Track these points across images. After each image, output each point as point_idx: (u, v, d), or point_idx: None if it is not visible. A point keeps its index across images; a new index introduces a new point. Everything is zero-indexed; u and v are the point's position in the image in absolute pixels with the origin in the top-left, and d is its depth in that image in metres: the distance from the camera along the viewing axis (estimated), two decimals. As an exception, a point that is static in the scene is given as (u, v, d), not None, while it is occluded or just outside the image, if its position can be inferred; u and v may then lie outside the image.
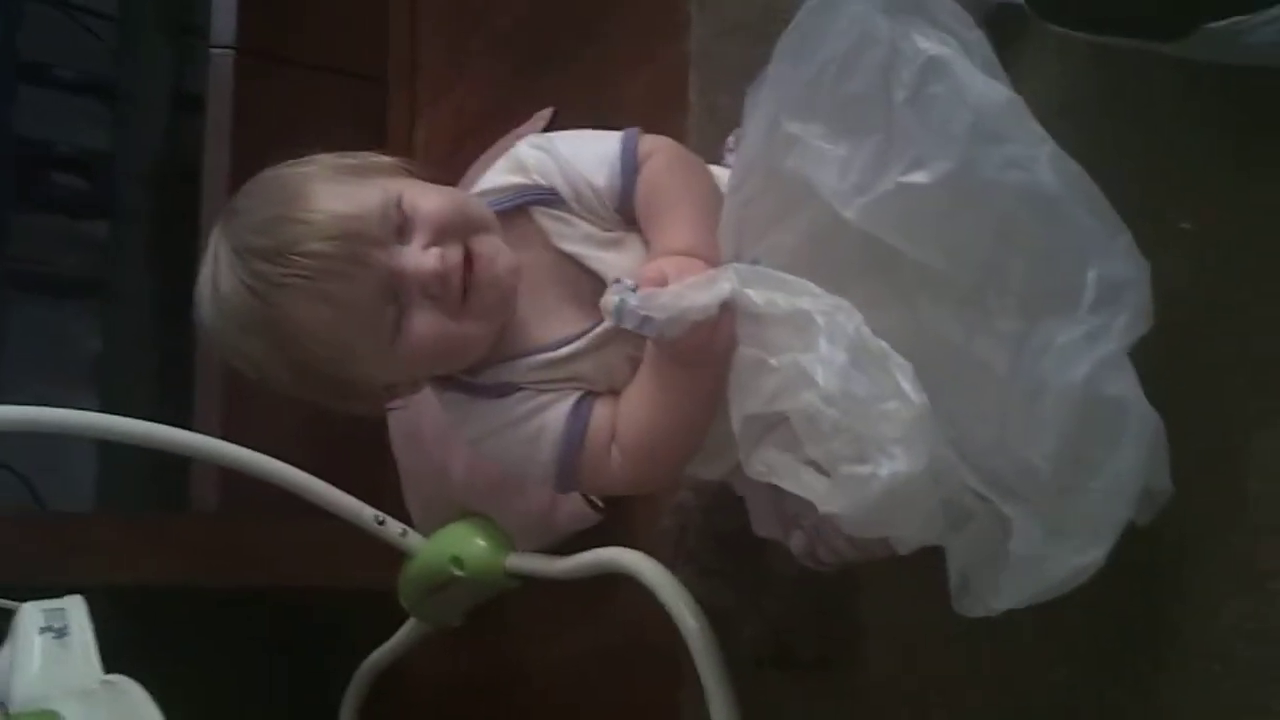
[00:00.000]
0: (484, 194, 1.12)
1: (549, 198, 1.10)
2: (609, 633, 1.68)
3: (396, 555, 1.72)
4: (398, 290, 1.02)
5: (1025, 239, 0.88)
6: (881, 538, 1.07)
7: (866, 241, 0.91)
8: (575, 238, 1.10)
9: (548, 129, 1.87)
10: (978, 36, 0.91)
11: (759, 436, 0.93)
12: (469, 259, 1.04)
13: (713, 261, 1.00)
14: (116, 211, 2.42)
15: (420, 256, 1.02)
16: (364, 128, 2.29)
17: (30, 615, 1.32)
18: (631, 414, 1.06)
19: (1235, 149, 1.00)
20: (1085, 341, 0.86)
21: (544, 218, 1.10)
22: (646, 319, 0.94)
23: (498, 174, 1.13)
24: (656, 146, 1.11)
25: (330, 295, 1.00)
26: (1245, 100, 0.98)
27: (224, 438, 1.66)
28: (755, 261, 0.96)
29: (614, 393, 1.08)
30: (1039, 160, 0.87)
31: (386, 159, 1.12)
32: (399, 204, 1.04)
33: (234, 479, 1.67)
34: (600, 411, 1.07)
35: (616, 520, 1.63)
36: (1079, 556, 0.87)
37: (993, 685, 1.17)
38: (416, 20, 2.38)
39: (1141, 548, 1.00)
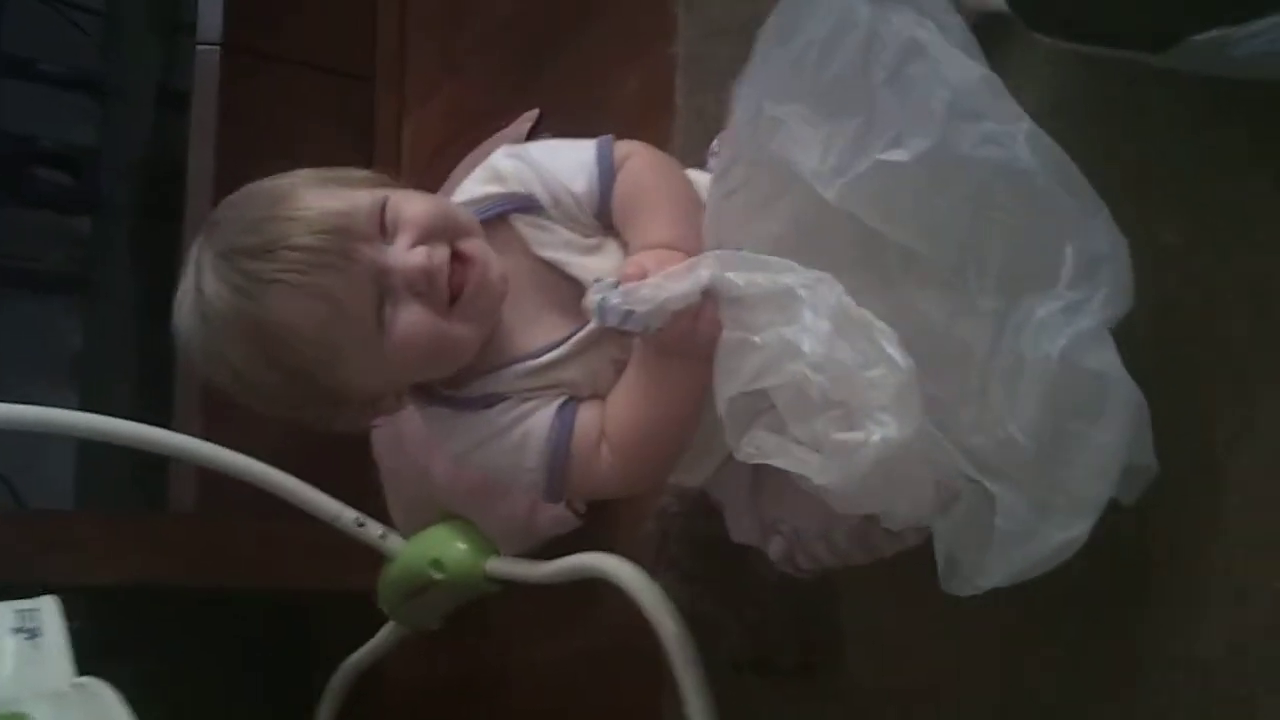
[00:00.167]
0: (463, 205, 1.11)
1: (528, 205, 1.11)
2: (591, 638, 1.67)
3: (377, 557, 1.71)
4: (385, 287, 1.02)
5: (1003, 215, 0.88)
6: (864, 542, 1.07)
7: (849, 228, 0.91)
8: (555, 244, 1.10)
9: (534, 130, 1.87)
10: (955, 20, 0.92)
11: (747, 420, 0.93)
12: (458, 261, 1.04)
13: (693, 254, 1.00)
14: (101, 208, 2.42)
15: (406, 254, 1.02)
16: (351, 126, 2.29)
17: (2, 616, 1.30)
18: (620, 410, 1.06)
19: (1223, 160, 1.00)
20: (1063, 315, 0.87)
21: (524, 225, 1.10)
22: (629, 314, 0.95)
23: (475, 184, 1.13)
24: (632, 150, 1.12)
25: (321, 290, 1.00)
26: (1233, 111, 0.98)
27: (204, 437, 1.64)
28: (738, 249, 0.96)
29: (598, 396, 1.08)
30: (1016, 137, 0.88)
31: (370, 172, 1.12)
32: (385, 206, 1.04)
33: (213, 479, 1.66)
34: (586, 413, 1.07)
35: (598, 525, 1.62)
36: (1064, 532, 0.87)
37: (972, 692, 1.16)
38: (405, 19, 2.37)
39: (1123, 559, 1.01)
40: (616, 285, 0.96)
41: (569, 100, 1.89)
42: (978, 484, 0.89)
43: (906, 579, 1.16)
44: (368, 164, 2.22)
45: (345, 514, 1.66)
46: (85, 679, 1.25)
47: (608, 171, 1.10)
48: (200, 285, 1.04)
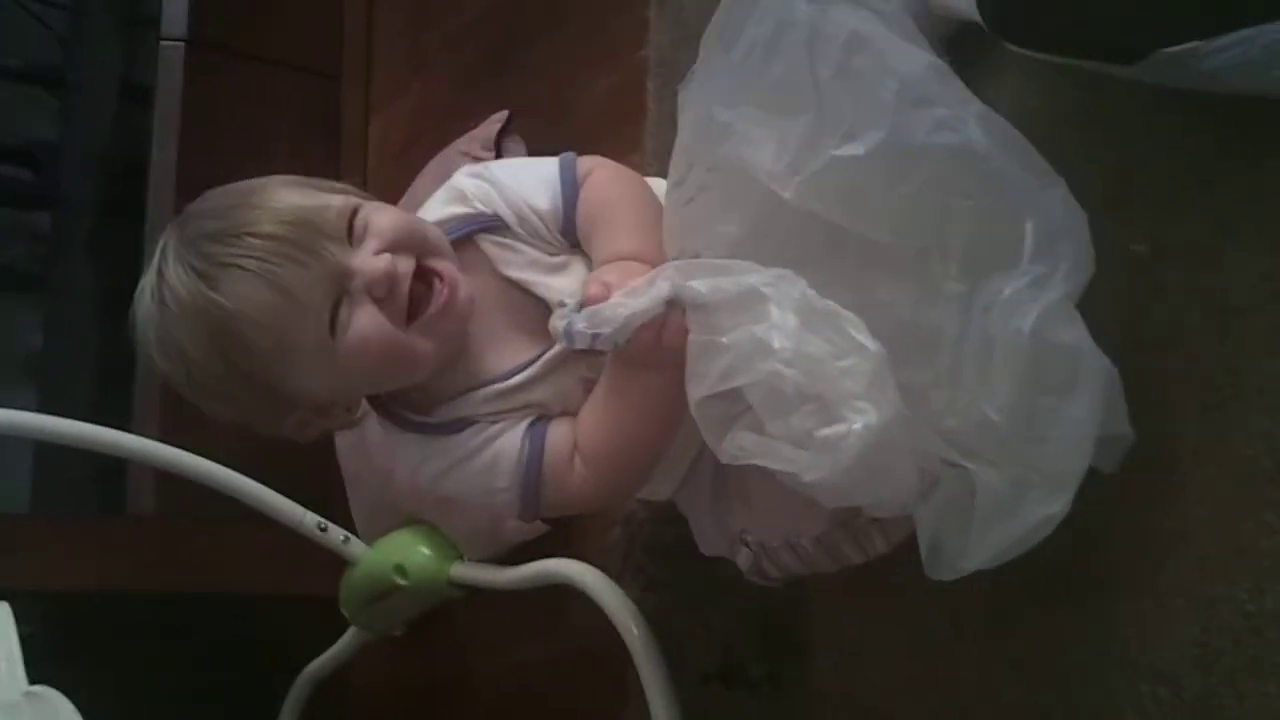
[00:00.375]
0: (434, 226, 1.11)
1: (493, 225, 1.11)
2: (557, 644, 1.66)
3: (339, 562, 1.70)
4: (345, 289, 1.02)
5: (962, 199, 0.89)
6: (830, 549, 1.07)
7: (810, 225, 0.91)
8: (521, 264, 1.10)
9: (503, 132, 1.85)
10: (895, 9, 0.93)
11: (725, 422, 0.93)
12: (425, 278, 1.04)
13: (656, 264, 1.00)
14: (62, 204, 2.39)
15: (371, 259, 1.02)
16: (316, 124, 2.28)
17: (-48, 622, 1.28)
18: (592, 425, 1.06)
19: (1193, 170, 1.00)
20: (1029, 290, 0.87)
21: (490, 245, 1.11)
22: (596, 335, 0.95)
23: (439, 205, 1.14)
24: (594, 165, 1.13)
25: (277, 279, 0.99)
26: (1203, 123, 0.98)
27: (162, 439, 1.62)
28: (699, 256, 0.96)
29: (569, 415, 1.08)
30: (967, 120, 0.89)
31: (347, 185, 1.12)
32: (356, 212, 1.04)
33: (173, 482, 1.64)
34: (557, 430, 1.07)
35: (565, 531, 1.61)
36: (1042, 507, 0.87)
37: (939, 703, 1.16)
38: (373, 17, 2.36)
39: (1089, 569, 1.01)
40: (580, 307, 0.96)
41: (538, 101, 1.88)
42: (957, 467, 0.89)
43: (874, 589, 1.16)
44: (334, 161, 2.23)
45: (307, 519, 1.64)
46: (38, 688, 1.22)
47: (570, 187, 1.10)
48: (162, 270, 1.03)
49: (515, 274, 1.10)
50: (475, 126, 1.91)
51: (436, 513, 1.68)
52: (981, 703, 1.11)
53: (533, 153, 1.84)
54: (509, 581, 1.54)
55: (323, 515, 1.66)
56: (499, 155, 1.84)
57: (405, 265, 1.03)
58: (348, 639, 1.81)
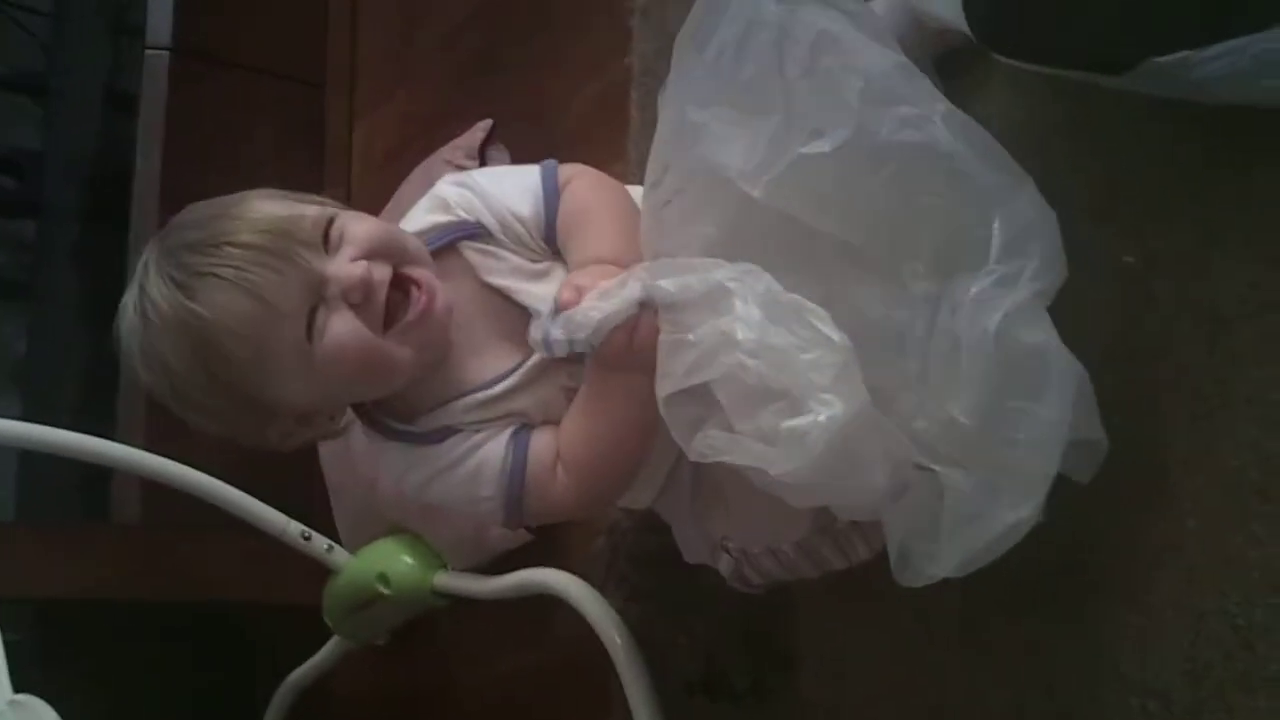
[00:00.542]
0: (414, 235, 1.12)
1: (476, 232, 1.11)
2: (540, 653, 1.66)
3: (323, 571, 1.69)
4: (322, 296, 1.02)
5: (929, 198, 0.89)
6: (811, 554, 1.07)
7: (783, 227, 0.92)
8: (503, 271, 1.11)
9: (487, 140, 1.85)
10: (863, 8, 0.93)
11: (691, 421, 0.93)
12: (401, 285, 1.05)
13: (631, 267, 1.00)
14: (46, 212, 2.38)
15: (348, 265, 1.03)
16: (301, 133, 2.27)
17: (-64, 631, 1.27)
18: (574, 432, 1.07)
19: (1182, 180, 1.00)
20: (995, 290, 0.87)
21: (472, 253, 1.11)
22: (572, 341, 0.96)
23: (422, 214, 1.14)
24: (576, 172, 1.13)
25: (255, 288, 1.00)
26: (1192, 133, 0.98)
27: (147, 447, 1.62)
28: (674, 257, 0.97)
29: (551, 424, 1.09)
30: (933, 119, 0.89)
31: (328, 198, 1.13)
32: (333, 221, 1.05)
33: (157, 491, 1.64)
34: (540, 438, 1.08)
35: (548, 540, 1.61)
36: (1013, 512, 0.87)
37: (925, 714, 1.16)
38: (357, 25, 2.36)
39: (1078, 581, 1.00)
40: (555, 314, 0.97)
41: (522, 109, 1.88)
42: (926, 471, 0.89)
43: (858, 597, 1.16)
44: (318, 169, 2.23)
45: (291, 527, 1.64)
46: (22, 696, 1.22)
47: (552, 194, 1.11)
48: (143, 283, 1.04)
49: (497, 281, 1.10)
50: (459, 135, 1.91)
51: (420, 521, 1.68)
52: (968, 714, 1.12)
53: (516, 161, 1.84)
54: (492, 591, 1.53)
55: (306, 524, 1.66)
56: (483, 164, 1.84)
57: (381, 272, 1.03)
58: (331, 648, 1.81)
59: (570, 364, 1.03)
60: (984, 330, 0.86)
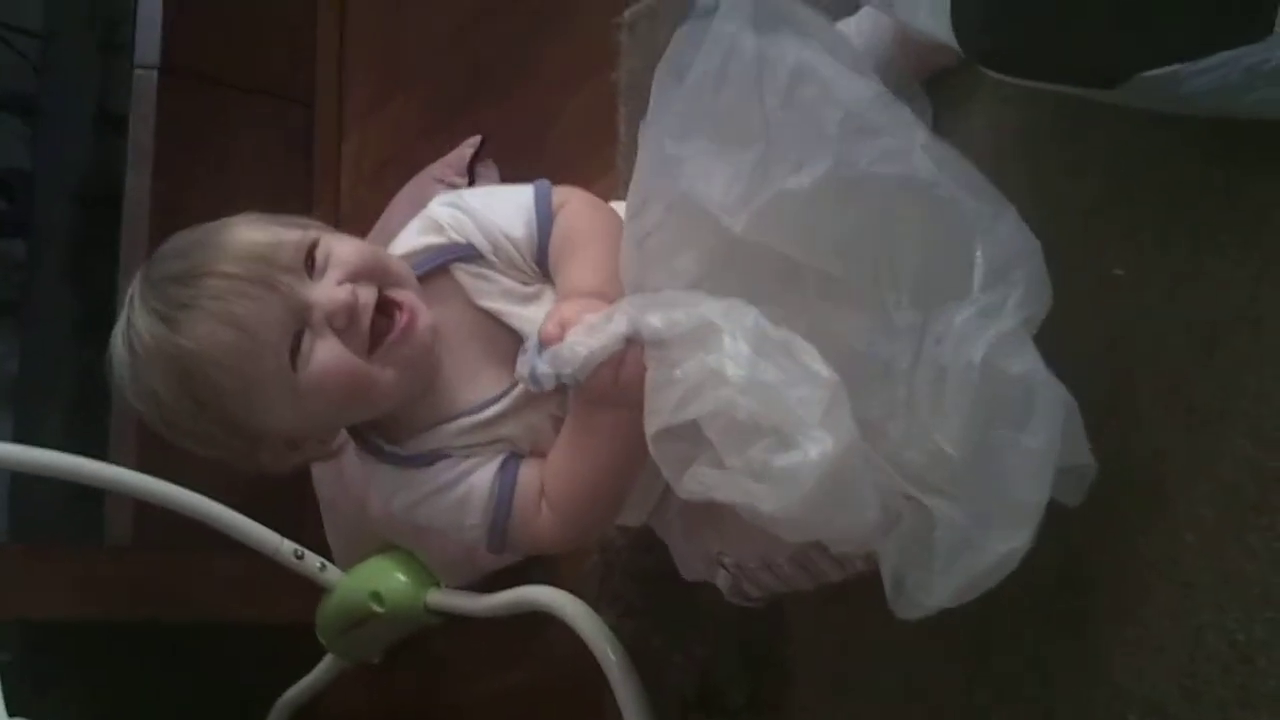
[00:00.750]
0: (402, 257, 1.12)
1: (468, 254, 1.10)
2: (534, 671, 1.66)
3: (316, 589, 1.69)
4: (305, 320, 1.02)
5: (911, 228, 0.89)
6: (808, 566, 1.07)
7: (765, 260, 0.91)
8: (494, 294, 1.10)
9: (476, 156, 1.85)
10: (840, 37, 0.93)
11: (685, 459, 0.92)
12: (386, 307, 1.04)
13: (616, 301, 1.00)
14: (36, 231, 2.38)
15: (331, 289, 1.02)
16: (290, 150, 2.28)
17: (-71, 655, 1.27)
18: (558, 469, 1.06)
19: (1172, 193, 1.00)
20: (979, 320, 0.86)
21: (464, 275, 1.11)
22: (559, 375, 0.95)
23: (413, 236, 1.13)
24: (569, 195, 1.12)
25: (236, 318, 0.99)
26: (1182, 145, 0.98)
27: (139, 467, 1.62)
28: (657, 290, 0.96)
29: (539, 453, 1.09)
30: (912, 150, 0.88)
31: (314, 220, 1.11)
32: (316, 244, 1.04)
33: (150, 511, 1.63)
34: (527, 471, 1.08)
35: (543, 558, 1.60)
36: (1004, 543, 0.86)
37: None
38: (344, 44, 2.36)
39: (1075, 596, 1.00)
40: (540, 349, 0.96)
41: (510, 124, 1.88)
42: (916, 502, 0.88)
43: (855, 611, 1.16)
44: (308, 186, 2.23)
45: (284, 546, 1.64)
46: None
47: (546, 216, 1.10)
48: (130, 316, 1.04)
49: (488, 304, 1.10)
50: (448, 151, 1.91)
51: (412, 539, 1.67)
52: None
53: (506, 176, 1.84)
54: (486, 608, 1.53)
55: (299, 542, 1.66)
56: (472, 180, 1.84)
57: (367, 295, 1.03)
58: (324, 666, 1.80)
59: (559, 393, 1.03)
60: (969, 361, 0.85)
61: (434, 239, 1.11)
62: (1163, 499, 0.97)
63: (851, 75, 0.90)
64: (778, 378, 0.87)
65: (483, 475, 1.07)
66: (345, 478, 1.85)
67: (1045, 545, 0.87)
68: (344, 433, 1.14)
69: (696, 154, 0.92)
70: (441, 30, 2.11)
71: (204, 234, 1.05)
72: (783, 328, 0.89)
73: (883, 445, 0.88)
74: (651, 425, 0.93)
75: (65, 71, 2.41)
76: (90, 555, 1.91)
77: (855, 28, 1.14)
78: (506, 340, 1.09)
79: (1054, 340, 0.89)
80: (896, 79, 1.05)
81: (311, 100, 2.32)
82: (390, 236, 1.16)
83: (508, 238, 1.09)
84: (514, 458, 1.08)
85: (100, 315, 2.01)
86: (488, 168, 1.86)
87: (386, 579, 1.65)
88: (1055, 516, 0.87)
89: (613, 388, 0.95)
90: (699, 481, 0.91)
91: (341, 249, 1.04)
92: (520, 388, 1.06)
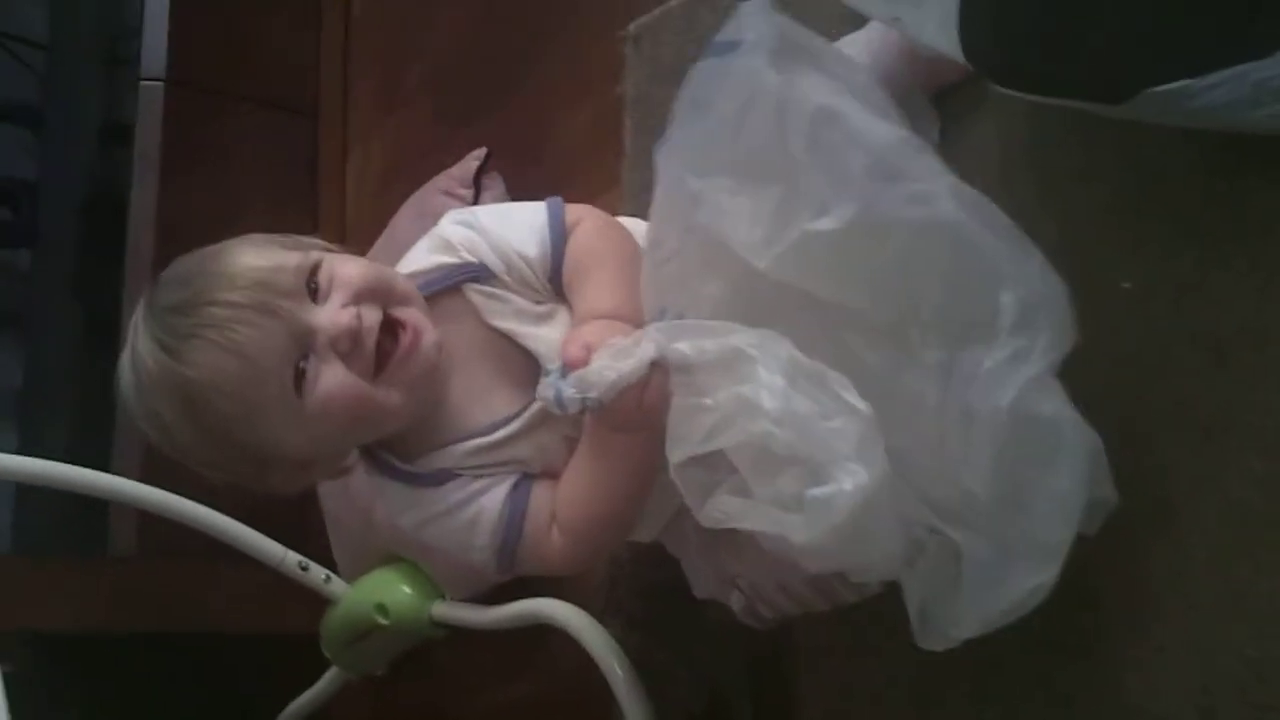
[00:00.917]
0: (412, 275, 1.11)
1: (480, 273, 1.10)
2: (539, 684, 1.65)
3: (321, 601, 1.68)
4: (308, 345, 1.01)
5: (936, 271, 0.88)
6: (823, 589, 1.06)
7: (787, 286, 0.91)
8: (507, 314, 1.09)
9: (481, 168, 1.85)
10: (866, 79, 0.93)
11: (708, 486, 0.92)
12: (391, 328, 1.03)
13: (637, 321, 1.00)
14: (42, 242, 2.38)
15: (335, 313, 1.02)
16: (295, 162, 2.28)
17: (-65, 666, 1.27)
18: (571, 492, 1.06)
19: (1179, 207, 0.99)
20: (1009, 364, 0.86)
21: (476, 294, 1.10)
22: (585, 399, 0.94)
23: (424, 255, 1.12)
24: (583, 214, 1.12)
25: (237, 346, 0.99)
26: (1189, 160, 0.98)
27: (144, 478, 1.61)
28: (680, 316, 0.96)
29: (551, 474, 1.08)
30: (939, 194, 0.88)
31: (317, 240, 1.11)
32: (318, 267, 1.03)
33: (154, 522, 1.62)
34: (539, 494, 1.07)
35: (547, 570, 1.60)
36: (1032, 578, 0.86)
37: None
38: (349, 55, 2.37)
39: (1084, 614, 0.99)
40: (564, 373, 0.96)
41: (516, 137, 1.88)
42: (941, 534, 0.88)
43: (863, 630, 1.15)
44: (312, 198, 2.23)
45: (289, 557, 1.63)
46: (20, 733, 1.22)
47: (559, 234, 1.09)
48: (135, 344, 1.04)
49: (501, 324, 1.09)
50: (453, 164, 1.91)
51: (418, 553, 1.67)
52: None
53: (511, 189, 1.84)
54: (491, 621, 1.52)
55: (304, 554, 1.65)
56: (477, 193, 1.84)
57: (371, 317, 1.02)
58: (329, 678, 1.80)
59: (577, 415, 1.02)
60: (998, 405, 0.85)
61: (445, 258, 1.10)
62: (1171, 515, 0.96)
63: (876, 118, 0.90)
64: (812, 409, 0.87)
65: (494, 497, 1.07)
66: (351, 489, 1.85)
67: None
68: (355, 451, 1.13)
69: (717, 190, 0.92)
70: (446, 43, 2.11)
71: (205, 260, 1.04)
72: (814, 358, 0.89)
73: (912, 476, 0.88)
74: (677, 453, 0.92)
75: (70, 82, 2.41)
76: (94, 566, 1.92)
77: (862, 41, 1.14)
78: (519, 360, 1.08)
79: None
80: (903, 92, 1.04)
81: (316, 112, 2.33)
82: (396, 248, 1.16)
83: (521, 257, 1.09)
84: (526, 479, 1.07)
85: (105, 326, 2.02)
86: (493, 180, 1.86)
87: (391, 591, 1.64)
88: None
89: (636, 412, 0.94)
90: (722, 510, 0.91)
91: (344, 270, 1.04)
92: (534, 409, 1.06)
